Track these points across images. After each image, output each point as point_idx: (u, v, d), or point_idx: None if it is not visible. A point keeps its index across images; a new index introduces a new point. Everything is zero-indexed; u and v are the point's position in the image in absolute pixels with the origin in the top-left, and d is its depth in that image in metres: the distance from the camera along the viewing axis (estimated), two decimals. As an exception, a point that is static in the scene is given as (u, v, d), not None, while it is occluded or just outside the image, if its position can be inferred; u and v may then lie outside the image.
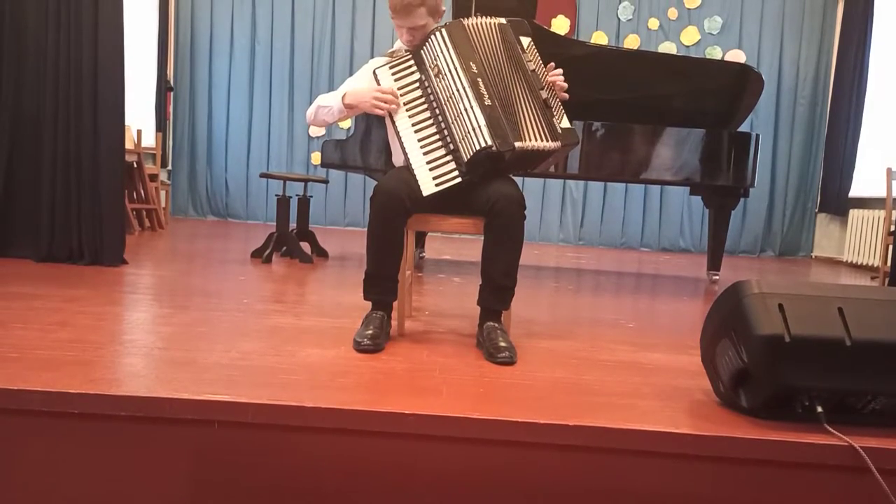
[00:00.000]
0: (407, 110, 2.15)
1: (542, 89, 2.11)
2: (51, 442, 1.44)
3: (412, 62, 2.18)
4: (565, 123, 2.12)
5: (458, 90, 2.08)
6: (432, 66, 2.13)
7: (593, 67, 4.10)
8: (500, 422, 1.44)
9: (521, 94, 2.11)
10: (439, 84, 2.12)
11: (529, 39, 2.18)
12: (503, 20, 2.16)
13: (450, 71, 2.10)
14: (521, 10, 3.89)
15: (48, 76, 3.37)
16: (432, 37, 2.13)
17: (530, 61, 2.13)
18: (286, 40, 7.38)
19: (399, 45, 2.30)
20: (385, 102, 2.12)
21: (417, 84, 2.16)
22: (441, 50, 2.11)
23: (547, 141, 2.08)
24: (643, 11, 7.21)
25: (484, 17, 2.16)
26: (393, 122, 2.17)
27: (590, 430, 1.43)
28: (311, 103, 2.36)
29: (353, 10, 7.32)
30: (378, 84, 2.18)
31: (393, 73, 2.18)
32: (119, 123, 3.46)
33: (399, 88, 2.16)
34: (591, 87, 4.16)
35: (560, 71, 2.17)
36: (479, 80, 2.08)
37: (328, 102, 2.24)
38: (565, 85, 2.16)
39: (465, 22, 2.14)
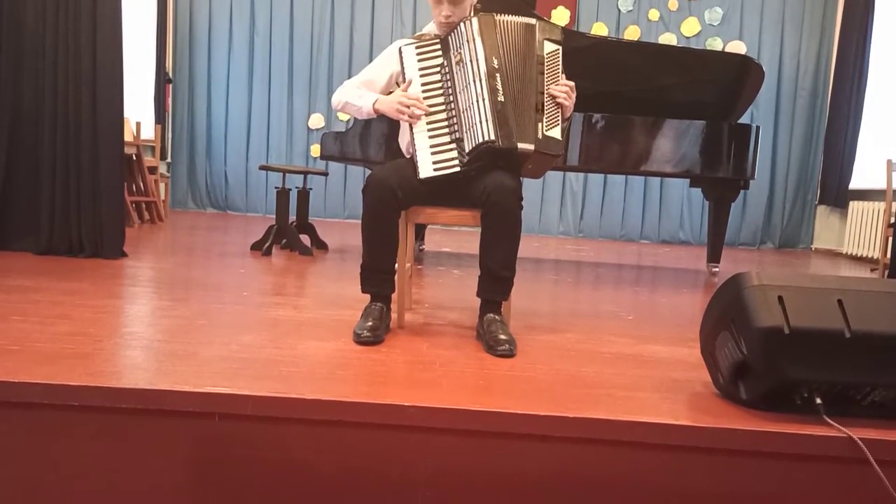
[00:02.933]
0: (422, 92, 2.17)
1: (542, 93, 2.11)
2: (52, 435, 1.45)
3: (438, 46, 2.19)
4: (553, 133, 2.11)
5: (473, 81, 2.09)
6: (455, 53, 2.14)
7: (593, 59, 4.09)
8: (500, 414, 1.44)
9: (528, 95, 2.11)
10: (458, 72, 2.13)
11: (557, 47, 2.17)
12: (533, 20, 2.17)
13: (471, 61, 2.10)
14: (522, 1, 3.87)
15: (47, 69, 3.37)
16: (462, 25, 2.14)
17: (542, 64, 2.13)
18: (285, 32, 7.36)
19: (428, 29, 2.31)
20: (407, 108, 2.12)
21: (438, 69, 2.18)
22: (468, 39, 2.12)
23: (526, 143, 2.08)
24: (643, 2, 7.19)
25: (515, 16, 2.16)
26: None
27: (589, 422, 1.44)
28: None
29: (352, 1, 7.29)
30: (401, 61, 2.20)
31: (418, 53, 2.20)
32: (118, 116, 3.45)
33: (420, 70, 2.18)
34: (590, 78, 4.15)
35: (569, 86, 2.15)
36: (498, 75, 2.08)
37: (358, 103, 2.25)
38: (568, 97, 2.14)
39: (497, 17, 2.14)
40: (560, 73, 2.17)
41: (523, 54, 2.13)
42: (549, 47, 2.16)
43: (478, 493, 1.46)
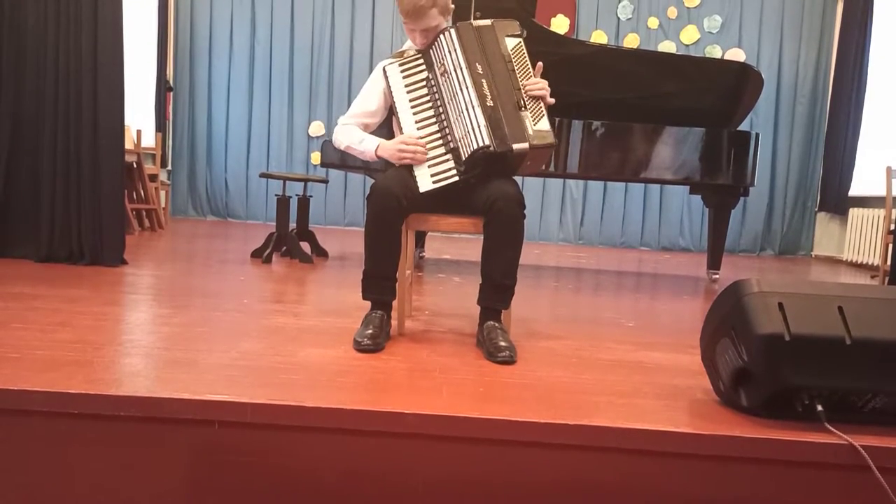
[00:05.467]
0: (412, 107, 2.18)
1: (519, 90, 2.10)
2: (51, 442, 1.44)
3: (421, 61, 2.21)
4: (541, 125, 2.10)
5: (461, 90, 2.10)
6: (439, 65, 2.16)
7: (593, 66, 4.11)
8: (500, 421, 1.44)
9: (510, 95, 2.10)
10: (444, 83, 2.14)
11: (518, 41, 2.18)
12: (489, 22, 2.17)
13: (455, 70, 2.11)
14: (521, 9, 3.89)
15: (48, 77, 3.37)
16: (441, 37, 2.16)
17: (509, 61, 2.13)
18: (285, 40, 7.38)
19: (408, 45, 2.31)
20: (410, 153, 2.12)
21: (424, 83, 2.19)
22: (449, 50, 2.13)
23: (519, 143, 2.07)
24: (643, 10, 7.21)
25: (477, 21, 2.17)
26: (398, 118, 2.20)
27: (590, 430, 1.43)
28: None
29: (352, 10, 7.32)
30: (387, 80, 2.21)
31: (402, 70, 2.21)
32: (119, 124, 3.46)
33: (406, 86, 2.19)
34: (590, 86, 4.17)
35: (543, 82, 2.14)
36: (483, 80, 2.09)
37: (360, 147, 2.23)
38: (544, 90, 2.13)
39: (475, 24, 2.15)
40: (529, 66, 2.16)
41: (495, 55, 2.13)
42: (511, 42, 2.16)
43: (477, 501, 1.45)
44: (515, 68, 2.13)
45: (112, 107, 3.41)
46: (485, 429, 1.44)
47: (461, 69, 2.11)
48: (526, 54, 2.17)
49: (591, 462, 1.44)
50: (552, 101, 2.16)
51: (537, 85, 2.12)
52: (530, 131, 2.08)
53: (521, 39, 2.18)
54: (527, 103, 2.10)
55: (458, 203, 2.16)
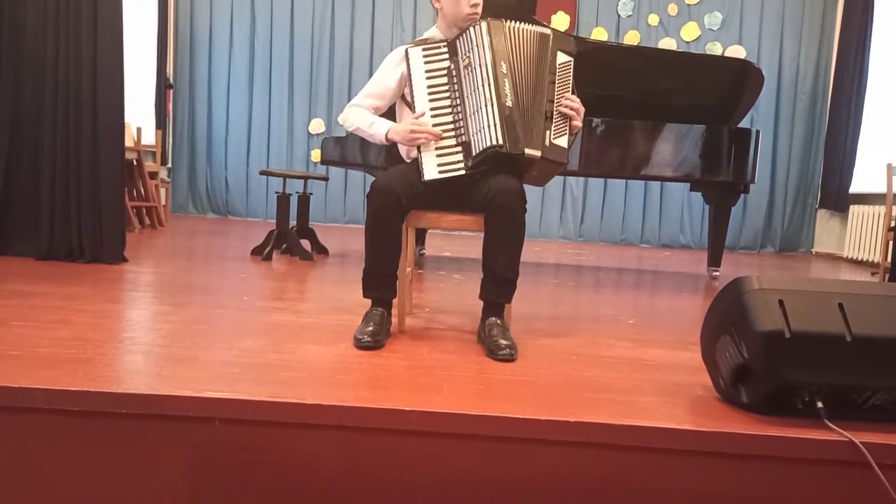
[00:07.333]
0: (428, 94, 2.17)
1: (552, 101, 2.12)
2: (52, 439, 1.45)
3: (445, 49, 2.20)
4: (559, 142, 2.12)
5: (482, 85, 2.09)
6: (464, 56, 2.15)
7: (593, 64, 4.09)
8: (501, 418, 1.44)
9: (537, 102, 2.12)
10: (466, 76, 2.13)
11: (569, 59, 2.19)
12: (548, 30, 2.18)
13: (480, 65, 2.11)
14: (521, 6, 3.88)
15: (48, 74, 3.37)
16: (471, 29, 2.14)
17: (553, 74, 2.14)
18: (285, 37, 7.37)
19: (430, 33, 2.31)
20: (420, 135, 2.12)
21: (445, 71, 2.18)
22: (477, 43, 2.12)
23: (532, 149, 2.08)
24: (643, 7, 7.20)
25: (530, 24, 2.17)
26: (412, 105, 2.19)
27: (590, 427, 1.44)
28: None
29: (352, 6, 7.31)
30: (407, 63, 2.20)
31: (424, 56, 2.20)
32: (119, 121, 3.45)
33: (427, 72, 2.18)
34: (590, 83, 4.13)
35: (578, 103, 2.17)
36: (506, 80, 2.09)
37: (370, 130, 2.24)
38: (575, 111, 2.16)
39: (507, 23, 2.15)
40: (571, 84, 2.18)
41: (535, 62, 2.14)
42: (561, 58, 2.17)
43: (478, 498, 1.45)
44: (556, 81, 2.14)
45: (112, 104, 3.40)
46: (485, 426, 1.44)
47: (486, 65, 2.10)
48: (571, 74, 2.18)
49: (592, 459, 1.44)
50: (579, 125, 2.18)
51: (572, 104, 2.14)
52: (547, 143, 2.10)
53: (571, 58, 2.19)
54: (554, 117, 2.12)
55: (458, 199, 2.16)
